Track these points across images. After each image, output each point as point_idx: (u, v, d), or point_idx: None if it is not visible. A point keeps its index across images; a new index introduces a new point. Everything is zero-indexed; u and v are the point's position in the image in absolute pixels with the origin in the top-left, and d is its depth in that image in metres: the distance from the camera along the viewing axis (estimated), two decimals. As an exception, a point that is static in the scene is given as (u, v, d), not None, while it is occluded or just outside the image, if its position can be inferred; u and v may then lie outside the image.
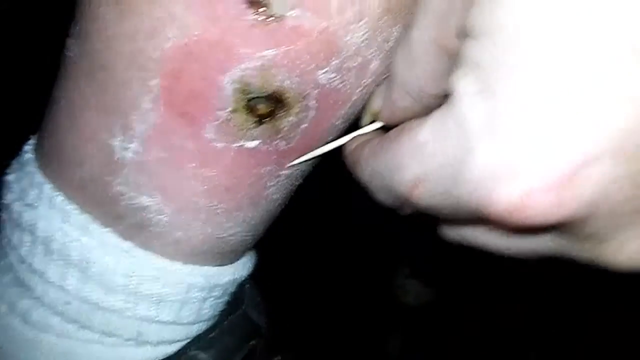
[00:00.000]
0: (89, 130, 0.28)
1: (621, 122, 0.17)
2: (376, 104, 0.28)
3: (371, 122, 0.29)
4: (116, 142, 0.27)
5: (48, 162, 0.30)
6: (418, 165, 0.21)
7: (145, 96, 0.26)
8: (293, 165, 0.30)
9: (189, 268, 0.30)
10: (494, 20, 0.17)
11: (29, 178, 0.30)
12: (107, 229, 0.29)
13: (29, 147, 0.32)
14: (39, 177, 0.30)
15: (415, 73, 0.23)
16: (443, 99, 0.27)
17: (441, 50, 0.22)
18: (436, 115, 0.20)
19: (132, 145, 0.27)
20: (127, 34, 0.25)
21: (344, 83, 0.27)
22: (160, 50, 0.25)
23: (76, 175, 0.29)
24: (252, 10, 0.23)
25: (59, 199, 0.29)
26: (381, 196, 0.25)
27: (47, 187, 0.29)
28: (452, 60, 0.21)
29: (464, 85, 0.19)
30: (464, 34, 0.19)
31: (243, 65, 0.25)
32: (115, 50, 0.26)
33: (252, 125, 0.27)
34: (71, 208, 0.29)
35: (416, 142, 0.21)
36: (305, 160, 0.30)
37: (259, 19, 0.23)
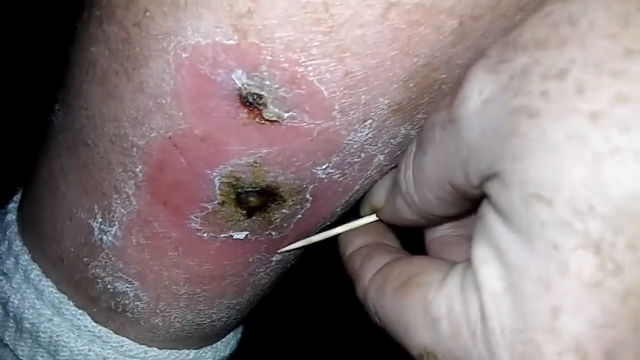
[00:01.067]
0: (68, 207, 0.26)
1: None
2: (377, 199, 0.26)
3: (370, 214, 0.27)
4: (95, 224, 0.25)
5: (28, 231, 0.28)
6: (427, 339, 0.19)
7: (128, 181, 0.24)
8: (284, 252, 0.28)
9: (165, 353, 0.28)
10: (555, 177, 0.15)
11: (7, 243, 0.29)
12: (81, 311, 0.27)
13: (12, 207, 0.30)
14: (17, 244, 0.28)
15: (423, 195, 0.21)
16: (447, 219, 0.25)
17: (453, 186, 0.19)
18: (453, 291, 0.18)
19: (112, 229, 0.25)
20: (111, 117, 0.23)
21: (345, 176, 0.25)
22: (146, 138, 0.23)
23: (54, 251, 0.27)
24: (245, 109, 0.21)
25: (35, 273, 0.27)
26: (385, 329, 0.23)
27: (24, 258, 0.28)
28: (465, 199, 0.19)
29: (487, 276, 0.17)
30: (486, 182, 0.17)
31: (233, 161, 0.23)
32: (99, 131, 0.24)
33: (241, 218, 0.25)
34: (46, 285, 0.27)
35: (429, 313, 0.19)
36: (297, 248, 0.28)
37: (253, 118, 0.21)
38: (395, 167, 0.27)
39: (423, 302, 0.19)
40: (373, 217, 0.27)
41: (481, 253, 0.17)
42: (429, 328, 0.19)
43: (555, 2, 0.17)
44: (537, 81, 0.15)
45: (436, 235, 0.28)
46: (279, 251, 0.28)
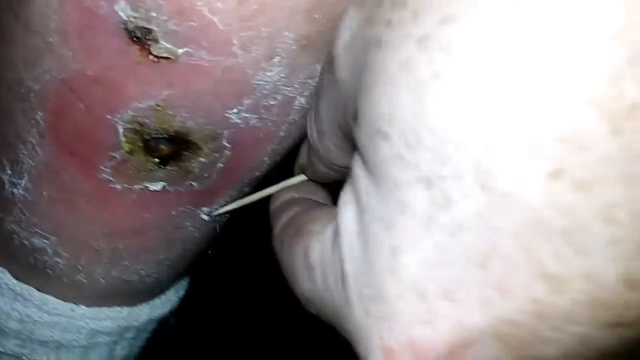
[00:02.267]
0: (-22, 160, 0.25)
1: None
2: (303, 157, 0.25)
3: (299, 173, 0.26)
4: (5, 176, 0.24)
5: None
6: (306, 287, 0.18)
7: (31, 130, 0.23)
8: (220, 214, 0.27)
9: (94, 311, 0.27)
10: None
11: None
12: (1, 269, 0.26)
13: None
14: None
15: (324, 145, 0.20)
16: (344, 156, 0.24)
17: (342, 132, 0.18)
18: (326, 238, 0.17)
19: (22, 182, 0.24)
20: (7, 60, 0.22)
21: (263, 121, 0.23)
22: (41, 82, 0.21)
23: (-31, 207, 0.26)
24: (136, 46, 0.20)
25: (-48, 230, 0.26)
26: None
27: None
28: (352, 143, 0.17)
29: (345, 218, 0.16)
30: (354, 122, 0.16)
31: (133, 105, 0.21)
32: (-3, 77, 0.22)
33: (154, 167, 0.23)
34: (-36, 242, 0.26)
35: (306, 262, 0.18)
36: (230, 210, 0.27)
37: (146, 55, 0.20)
38: None
39: (304, 250, 0.18)
40: (302, 177, 0.26)
41: (344, 196, 0.16)
42: (306, 276, 0.18)
43: None
44: (386, 9, 0.14)
45: None
46: (213, 214, 0.27)
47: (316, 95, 0.19)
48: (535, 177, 0.12)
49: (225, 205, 0.27)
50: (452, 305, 0.13)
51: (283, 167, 0.28)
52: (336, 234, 0.16)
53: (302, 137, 0.26)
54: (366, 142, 0.14)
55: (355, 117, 0.15)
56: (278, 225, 0.22)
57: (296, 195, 0.25)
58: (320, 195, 0.25)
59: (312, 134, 0.20)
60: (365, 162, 0.15)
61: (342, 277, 0.16)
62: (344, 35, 0.16)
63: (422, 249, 0.13)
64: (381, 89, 0.14)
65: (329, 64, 0.17)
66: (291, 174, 0.28)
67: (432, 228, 0.13)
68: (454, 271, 0.13)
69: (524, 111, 0.12)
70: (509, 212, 0.12)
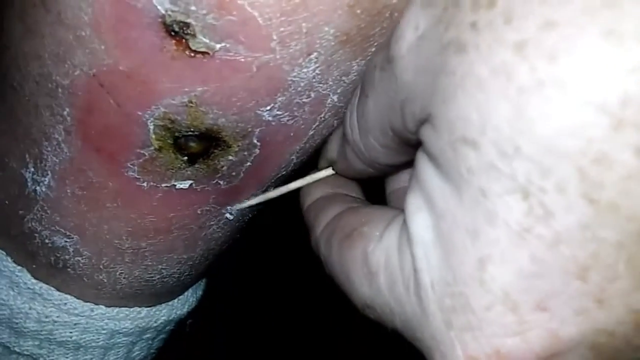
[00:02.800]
0: (0, 156, 0.24)
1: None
2: (332, 151, 0.24)
3: (327, 167, 0.25)
4: (28, 174, 0.23)
5: None
6: (367, 292, 0.18)
7: (57, 126, 0.22)
8: (243, 208, 0.26)
9: (114, 312, 0.27)
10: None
11: None
12: (20, 267, 0.25)
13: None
14: None
15: (368, 142, 0.19)
16: (396, 168, 0.23)
17: (394, 132, 0.18)
18: (390, 244, 0.17)
19: (45, 179, 0.23)
20: (33, 54, 0.21)
21: (295, 119, 0.23)
22: (70, 77, 0.21)
23: (-12, 204, 0.25)
24: (172, 40, 0.19)
25: (-30, 227, 0.25)
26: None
27: None
28: (409, 146, 0.17)
29: (418, 226, 0.15)
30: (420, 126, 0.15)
31: (165, 101, 0.21)
32: (23, 71, 0.22)
33: (182, 165, 0.23)
34: (-18, 240, 0.25)
35: (366, 266, 0.18)
36: (254, 205, 0.26)
37: (182, 50, 0.19)
38: None
39: (363, 253, 0.18)
40: (330, 171, 0.26)
41: (413, 202, 0.16)
42: (367, 281, 0.18)
43: None
44: (468, 11, 0.13)
45: (396, 186, 0.26)
46: (237, 207, 0.26)
47: (362, 93, 0.19)
48: None
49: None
50: (546, 316, 0.13)
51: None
52: (401, 239, 0.16)
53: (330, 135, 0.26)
54: (446, 149, 0.14)
55: (422, 121, 0.15)
56: (319, 226, 0.22)
57: (331, 191, 0.24)
58: (355, 190, 0.25)
59: (353, 131, 0.20)
60: (440, 168, 0.14)
61: (416, 287, 0.15)
62: (409, 36, 0.15)
63: (516, 260, 0.13)
64: (468, 95, 0.13)
65: (387, 63, 0.17)
66: (310, 168, 0.27)
67: (527, 239, 0.13)
68: (549, 282, 0.13)
69: (636, 123, 0.11)
70: (615, 223, 0.12)
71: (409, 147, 0.19)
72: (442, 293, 0.14)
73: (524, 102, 0.12)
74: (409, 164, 0.22)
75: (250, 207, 0.27)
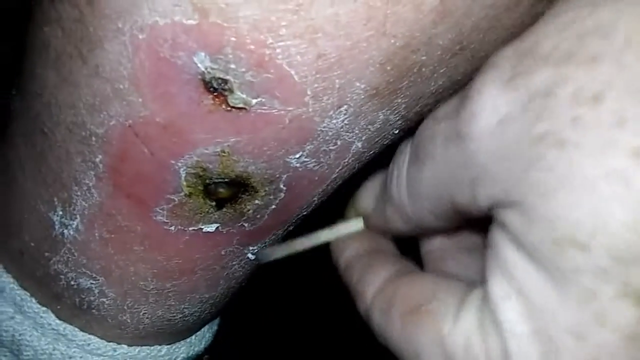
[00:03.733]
0: (26, 199, 0.24)
1: None
2: (364, 205, 0.24)
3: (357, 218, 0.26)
4: (56, 217, 0.24)
5: None
6: None
7: (88, 172, 0.22)
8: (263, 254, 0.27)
9: (135, 351, 0.27)
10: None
11: None
12: (44, 308, 0.25)
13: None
14: None
15: (418, 208, 0.20)
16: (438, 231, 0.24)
17: (455, 205, 0.18)
18: (470, 327, 0.16)
19: (74, 223, 0.24)
20: (68, 103, 0.21)
21: (320, 165, 0.23)
22: (105, 127, 0.21)
23: (14, 246, 0.25)
24: (209, 95, 0.20)
25: (-6, 268, 0.26)
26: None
27: None
28: (463, 216, 0.17)
29: (509, 313, 0.15)
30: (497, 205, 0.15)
31: (199, 151, 0.21)
32: (55, 118, 0.22)
33: (210, 209, 0.23)
34: (6, 281, 0.25)
35: (442, 349, 0.17)
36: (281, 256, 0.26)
37: (218, 105, 0.20)
38: (374, 154, 0.25)
39: (437, 334, 0.17)
40: (359, 224, 0.26)
41: (500, 289, 0.15)
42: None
43: (574, 1, 0.14)
44: (566, 105, 0.13)
45: (432, 247, 0.26)
46: (264, 259, 0.26)
47: (416, 158, 0.19)
48: None
49: (274, 246, 0.27)
50: None
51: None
52: (483, 322, 0.16)
53: (350, 177, 0.26)
54: (545, 245, 0.14)
55: (502, 204, 0.14)
56: (368, 292, 0.21)
57: (367, 248, 0.24)
58: (389, 246, 0.25)
59: (400, 194, 0.20)
60: (536, 260, 0.14)
61: None
62: (488, 117, 0.15)
63: None
64: (576, 197, 0.13)
65: (457, 138, 0.17)
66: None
67: (637, 345, 0.13)
68: None
69: None
70: None
71: (464, 218, 0.19)
72: None
73: None
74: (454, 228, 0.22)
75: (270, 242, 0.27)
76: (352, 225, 0.26)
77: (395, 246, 0.25)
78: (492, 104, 0.15)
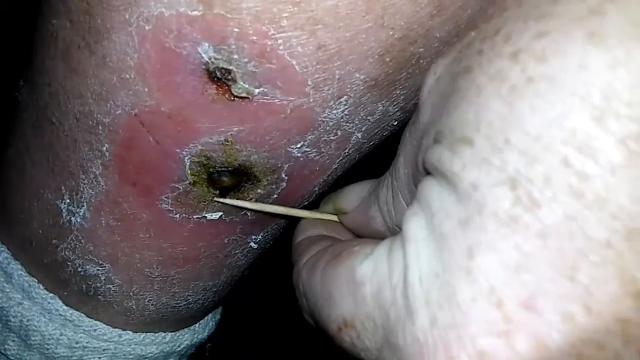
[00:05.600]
0: (35, 187, 0.25)
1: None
2: (346, 203, 0.25)
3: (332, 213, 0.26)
4: (63, 205, 0.24)
5: None
6: (348, 306, 0.17)
7: (95, 160, 0.23)
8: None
9: (141, 337, 0.27)
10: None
11: None
12: (52, 295, 0.26)
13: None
14: None
15: (398, 204, 0.20)
16: None
17: (415, 184, 0.18)
18: (380, 254, 0.17)
19: (81, 210, 0.24)
20: (75, 93, 0.22)
21: (321, 155, 0.24)
22: (111, 116, 0.22)
23: (22, 233, 0.26)
24: (213, 85, 0.20)
25: (3, 255, 0.26)
26: (305, 315, 0.22)
27: None
28: None
29: (412, 227, 0.16)
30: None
31: (203, 140, 0.22)
32: (63, 108, 0.23)
33: (214, 198, 0.24)
34: (15, 268, 0.26)
35: (352, 279, 0.17)
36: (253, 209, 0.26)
37: (222, 94, 0.20)
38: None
39: (350, 268, 0.18)
40: (334, 217, 0.26)
41: (410, 210, 0.16)
42: (351, 294, 0.17)
43: None
44: (477, 44, 0.15)
45: None
46: (223, 201, 0.25)
47: (396, 155, 0.20)
48: (632, 182, 0.12)
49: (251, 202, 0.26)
50: (531, 316, 0.13)
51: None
52: (392, 246, 0.16)
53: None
54: (445, 153, 0.15)
55: (432, 143, 0.15)
56: (304, 257, 0.22)
57: (325, 233, 0.25)
58: (348, 238, 0.25)
59: (387, 196, 0.21)
60: (439, 175, 0.15)
61: (404, 286, 0.15)
62: (429, 82, 0.17)
63: (503, 250, 0.13)
64: (467, 101, 0.14)
65: (415, 115, 0.18)
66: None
67: (514, 230, 0.13)
68: (536, 278, 0.13)
69: (618, 115, 0.12)
70: (602, 219, 0.12)
71: None
72: (430, 286, 0.14)
73: (515, 97, 0.13)
74: None
75: (272, 231, 0.28)
76: (326, 216, 0.26)
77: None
78: (433, 71, 0.17)
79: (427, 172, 0.16)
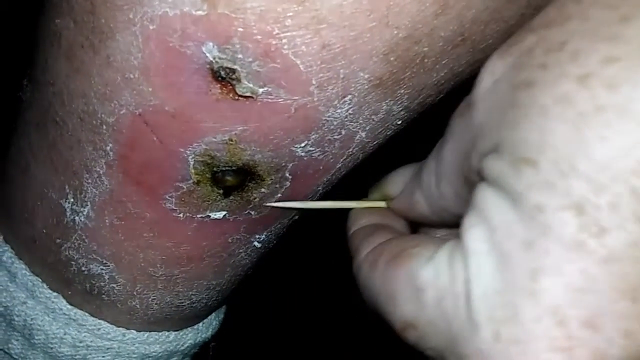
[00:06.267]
0: (38, 187, 0.25)
1: None
2: (392, 189, 0.25)
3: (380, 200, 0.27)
4: (67, 204, 0.24)
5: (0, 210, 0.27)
6: (411, 310, 0.18)
7: (99, 160, 0.23)
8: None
9: (144, 336, 0.27)
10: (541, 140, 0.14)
11: None
12: (55, 294, 0.26)
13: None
14: None
15: (441, 190, 0.20)
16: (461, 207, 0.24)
17: (466, 179, 0.19)
18: (441, 260, 0.17)
19: (84, 210, 0.24)
20: (79, 93, 0.22)
21: (325, 154, 0.24)
22: (115, 115, 0.22)
23: (25, 233, 0.26)
24: (217, 85, 0.20)
25: (7, 255, 0.26)
26: (369, 305, 0.22)
27: None
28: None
29: (473, 239, 0.16)
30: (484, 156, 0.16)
31: (207, 139, 0.22)
32: (67, 107, 0.23)
33: (218, 197, 0.24)
34: (18, 267, 0.26)
35: (414, 283, 0.18)
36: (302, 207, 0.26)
37: (226, 94, 0.20)
38: (377, 145, 0.26)
39: (411, 271, 0.18)
40: (382, 204, 0.27)
41: (468, 220, 0.17)
42: (413, 298, 0.18)
43: None
44: (540, 55, 0.15)
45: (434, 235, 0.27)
46: (273, 204, 0.25)
47: (443, 140, 0.20)
48: None
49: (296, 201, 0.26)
50: (594, 335, 0.14)
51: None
52: (453, 255, 0.17)
53: (353, 169, 0.27)
54: (506, 169, 0.15)
55: (489, 152, 0.16)
56: (364, 250, 0.22)
57: (380, 222, 0.25)
58: (404, 227, 0.26)
59: (430, 177, 0.21)
60: (499, 187, 0.15)
61: (467, 298, 0.16)
62: (486, 82, 0.17)
63: (567, 273, 0.14)
64: (531, 121, 0.14)
65: (467, 109, 0.18)
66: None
67: (580, 254, 0.14)
68: (599, 299, 0.13)
69: None
70: None
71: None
72: (493, 303, 0.15)
73: (583, 125, 0.13)
74: None
75: (275, 230, 0.28)
76: (375, 203, 0.26)
77: (409, 229, 0.26)
78: (491, 69, 0.17)
79: (481, 176, 0.17)
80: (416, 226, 0.27)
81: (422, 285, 0.18)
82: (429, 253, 0.18)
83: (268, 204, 0.25)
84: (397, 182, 0.26)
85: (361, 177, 0.28)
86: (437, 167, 0.20)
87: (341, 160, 0.25)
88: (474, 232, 0.16)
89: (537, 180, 0.14)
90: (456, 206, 0.20)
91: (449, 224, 0.21)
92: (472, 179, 0.18)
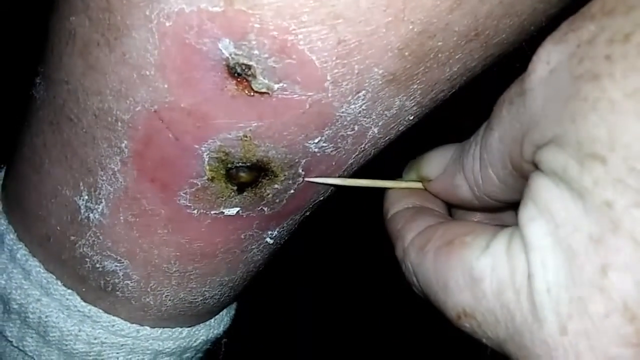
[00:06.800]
0: (52, 184, 0.25)
1: None
2: (430, 170, 0.25)
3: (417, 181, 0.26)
4: (81, 201, 0.24)
5: (13, 209, 0.27)
6: (467, 299, 0.18)
7: (113, 157, 0.23)
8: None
9: (158, 332, 0.28)
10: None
11: None
12: (70, 291, 0.26)
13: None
14: (2, 223, 0.27)
15: (486, 176, 0.20)
16: (505, 208, 0.24)
17: (512, 164, 0.19)
18: (498, 251, 0.17)
19: (99, 207, 0.24)
20: (94, 90, 0.22)
21: (338, 150, 0.24)
22: (130, 113, 0.22)
23: (40, 230, 0.26)
24: (233, 81, 0.20)
25: (21, 252, 0.26)
26: (416, 291, 0.22)
27: (9, 238, 0.27)
28: (520, 181, 0.18)
29: (534, 233, 0.16)
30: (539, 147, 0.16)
31: (222, 135, 0.22)
32: (82, 105, 0.23)
33: (231, 193, 0.24)
34: (33, 264, 0.26)
35: (470, 274, 0.18)
36: (324, 184, 0.26)
37: (241, 90, 0.20)
38: (389, 140, 0.26)
39: (467, 261, 0.18)
40: (419, 185, 0.26)
41: (527, 213, 0.17)
42: (470, 288, 0.18)
43: None
44: (602, 46, 0.15)
45: (469, 219, 0.27)
46: (312, 180, 0.25)
47: (488, 126, 0.20)
48: None
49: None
50: None
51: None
52: (511, 247, 0.17)
53: (366, 163, 0.27)
54: (571, 164, 0.15)
55: (541, 145, 0.16)
56: (409, 235, 0.22)
57: (419, 204, 0.25)
58: (442, 208, 0.26)
59: (474, 163, 0.21)
60: (562, 181, 0.15)
61: (529, 292, 0.16)
62: (541, 70, 0.17)
63: (638, 270, 0.14)
64: (599, 116, 0.14)
65: (518, 97, 0.18)
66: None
67: None
68: None
69: None
70: None
71: (522, 185, 0.19)
72: (559, 298, 0.15)
73: None
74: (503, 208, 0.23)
75: (287, 227, 0.28)
76: (412, 184, 0.26)
77: (446, 209, 0.26)
78: (546, 57, 0.17)
79: (536, 166, 0.17)
80: (449, 207, 0.27)
81: (479, 275, 0.18)
82: (484, 242, 0.18)
83: (308, 179, 0.25)
84: (434, 163, 0.25)
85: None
86: (482, 153, 0.20)
87: (353, 156, 0.25)
88: (534, 226, 0.16)
89: (606, 176, 0.14)
90: (502, 192, 0.20)
91: (490, 209, 0.21)
92: (523, 168, 0.18)
